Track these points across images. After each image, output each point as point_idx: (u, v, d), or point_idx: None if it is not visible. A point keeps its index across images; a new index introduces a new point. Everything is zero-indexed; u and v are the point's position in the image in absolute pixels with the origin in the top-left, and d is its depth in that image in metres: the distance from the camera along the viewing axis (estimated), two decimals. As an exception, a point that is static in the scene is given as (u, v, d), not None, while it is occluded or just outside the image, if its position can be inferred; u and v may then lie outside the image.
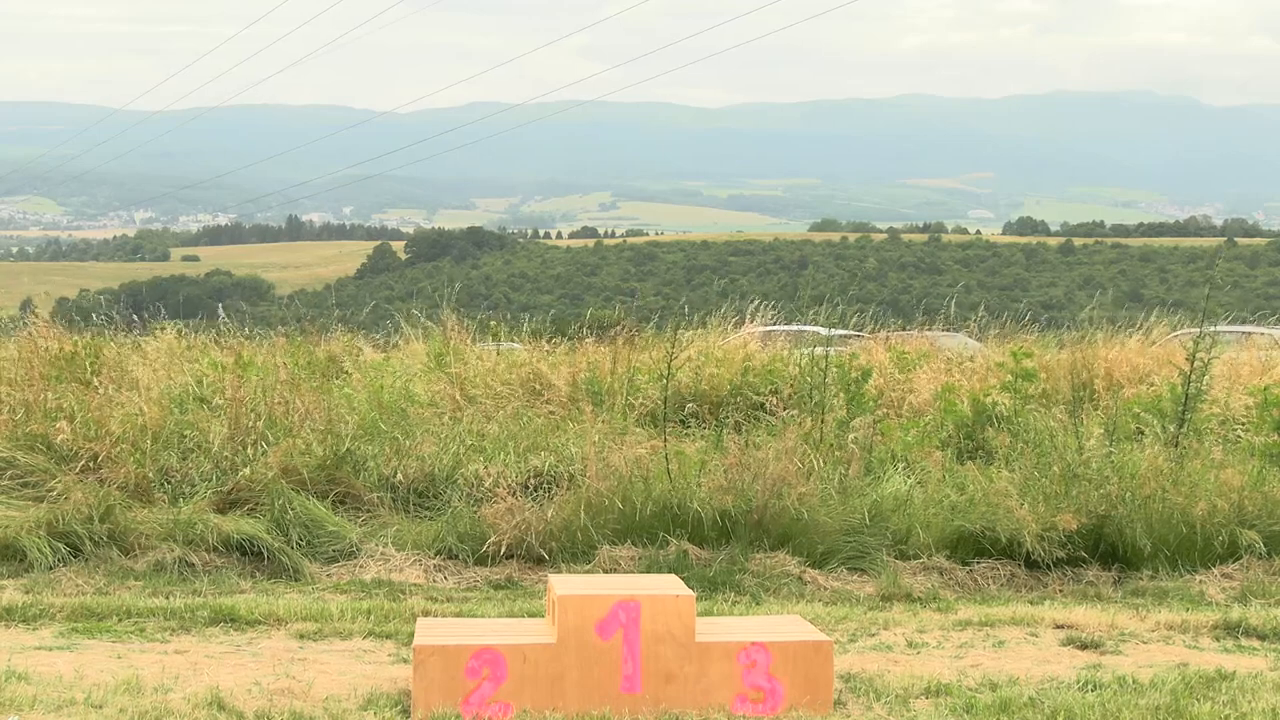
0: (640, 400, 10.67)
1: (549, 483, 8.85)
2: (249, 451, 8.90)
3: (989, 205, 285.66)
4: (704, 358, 11.89)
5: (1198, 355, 9.64)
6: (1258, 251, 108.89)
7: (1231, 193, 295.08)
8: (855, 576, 8.18)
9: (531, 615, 6.64)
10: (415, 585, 7.86)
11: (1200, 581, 8.23)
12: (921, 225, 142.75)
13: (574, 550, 8.26)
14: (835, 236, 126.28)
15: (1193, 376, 9.64)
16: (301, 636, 6.58)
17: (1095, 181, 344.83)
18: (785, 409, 9.72)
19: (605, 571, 7.93)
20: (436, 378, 11.44)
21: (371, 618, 6.91)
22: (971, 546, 8.40)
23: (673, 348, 10.10)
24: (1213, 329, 9.89)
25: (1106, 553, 8.46)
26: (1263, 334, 15.75)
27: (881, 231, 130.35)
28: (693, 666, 5.39)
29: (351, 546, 8.31)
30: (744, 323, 14.34)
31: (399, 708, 5.35)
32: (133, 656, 6.11)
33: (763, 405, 10.61)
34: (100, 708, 5.17)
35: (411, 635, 5.79)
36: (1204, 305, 10.75)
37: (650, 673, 5.36)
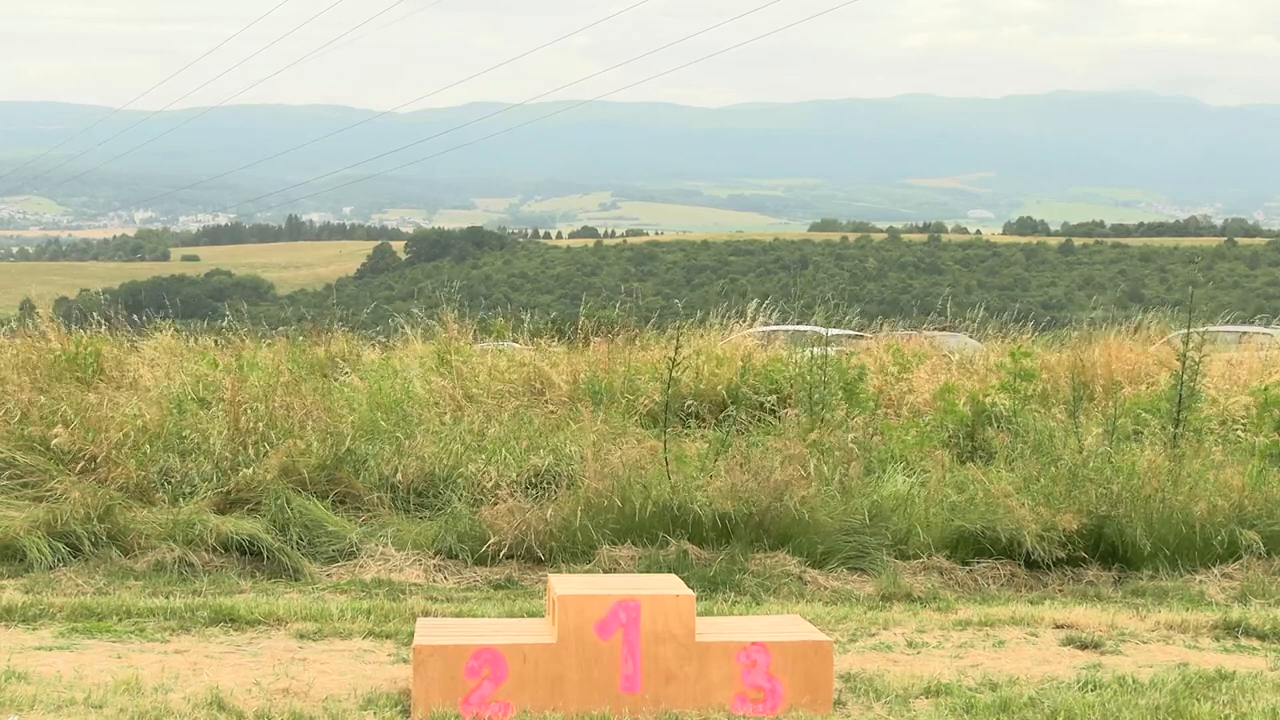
0: (640, 400, 10.67)
1: (549, 482, 8.84)
2: (249, 452, 8.90)
3: (989, 205, 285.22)
4: (704, 358, 11.89)
5: (1187, 355, 9.67)
6: (1258, 251, 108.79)
7: (1231, 193, 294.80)
8: (855, 576, 8.18)
9: (531, 615, 6.64)
10: (415, 585, 7.86)
11: (1200, 581, 8.23)
12: (921, 225, 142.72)
13: (574, 550, 8.25)
14: (835, 236, 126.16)
15: (1184, 376, 9.66)
16: (301, 636, 6.58)
17: (1095, 181, 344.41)
18: (785, 409, 9.72)
19: (605, 571, 7.93)
20: (437, 377, 11.43)
21: (371, 618, 6.91)
22: (971, 546, 8.40)
23: (676, 350, 10.08)
24: (1202, 329, 9.95)
25: (1106, 553, 8.46)
26: (1262, 334, 15.76)
27: (881, 231, 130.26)
28: (693, 666, 5.39)
29: (351, 546, 8.31)
30: (744, 323, 14.34)
31: (399, 708, 5.35)
32: (133, 656, 6.11)
33: (763, 405, 10.61)
34: (100, 708, 5.17)
35: (411, 635, 5.79)
36: (1189, 303, 10.88)
37: (650, 673, 5.36)
